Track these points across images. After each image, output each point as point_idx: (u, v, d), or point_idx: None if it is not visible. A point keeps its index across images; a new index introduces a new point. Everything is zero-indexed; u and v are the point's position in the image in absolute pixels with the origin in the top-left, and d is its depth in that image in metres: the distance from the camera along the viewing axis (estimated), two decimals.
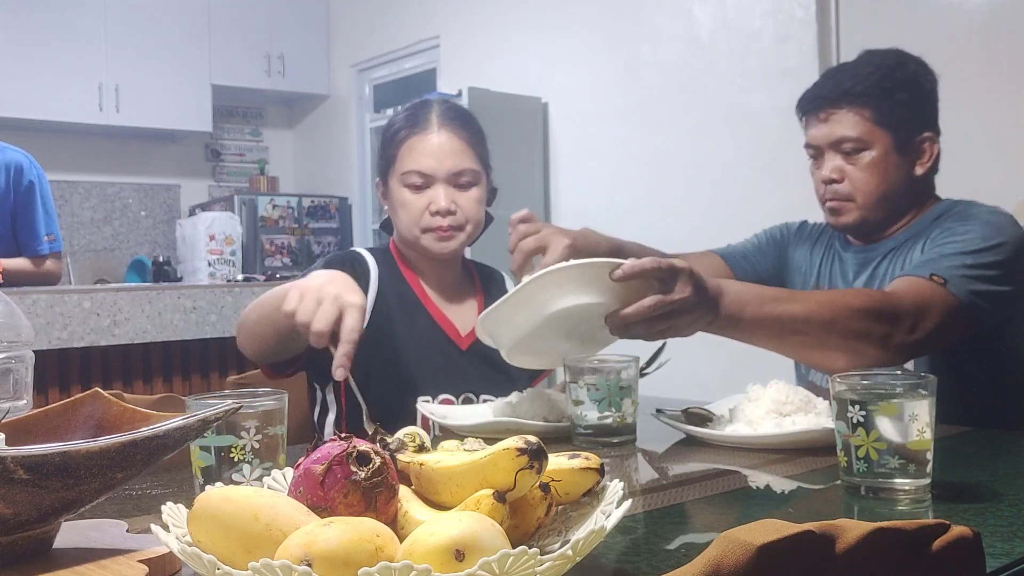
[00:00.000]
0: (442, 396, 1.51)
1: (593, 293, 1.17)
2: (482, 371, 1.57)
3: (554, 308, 1.19)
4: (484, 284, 1.70)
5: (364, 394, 1.49)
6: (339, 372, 1.13)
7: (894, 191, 1.54)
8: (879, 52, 1.58)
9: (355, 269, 1.55)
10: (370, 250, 1.63)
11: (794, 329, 1.26)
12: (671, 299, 1.15)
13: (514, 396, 1.40)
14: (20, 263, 2.91)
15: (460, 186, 1.55)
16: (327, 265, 1.55)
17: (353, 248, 1.62)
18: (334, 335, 1.15)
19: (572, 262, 1.18)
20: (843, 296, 1.34)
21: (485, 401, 1.50)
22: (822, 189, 1.58)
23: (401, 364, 1.49)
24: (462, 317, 1.61)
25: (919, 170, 1.55)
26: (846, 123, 1.53)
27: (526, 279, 1.20)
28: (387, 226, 1.68)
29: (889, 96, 1.52)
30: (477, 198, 1.57)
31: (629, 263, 1.13)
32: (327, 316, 1.14)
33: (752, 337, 1.29)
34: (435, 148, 1.53)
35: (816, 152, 1.60)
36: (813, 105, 1.59)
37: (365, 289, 1.54)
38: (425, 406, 1.38)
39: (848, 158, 1.54)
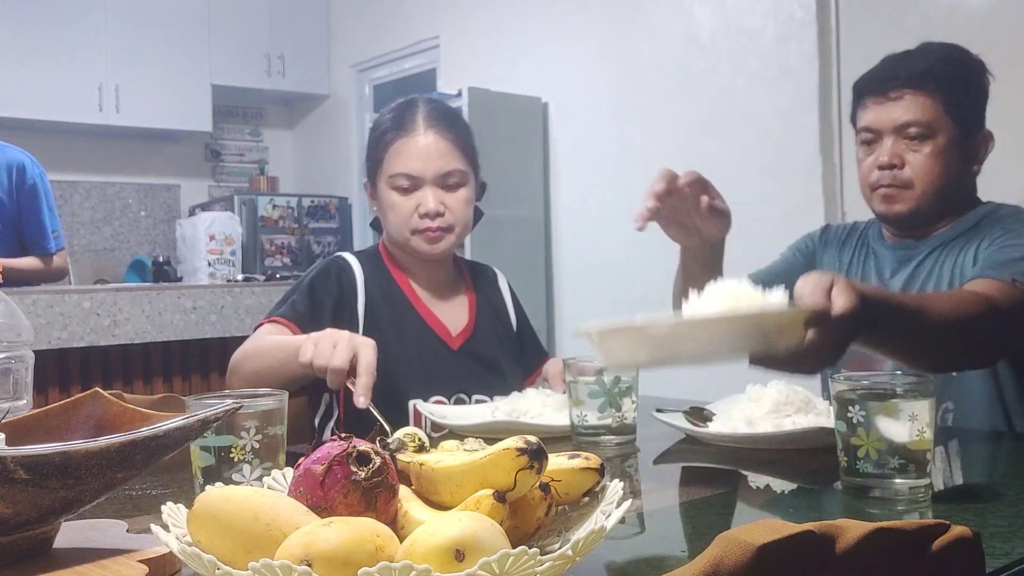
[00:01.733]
0: (434, 398, 1.50)
1: (763, 335, 0.94)
2: (474, 371, 1.56)
3: (717, 350, 0.94)
4: (475, 280, 1.69)
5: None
6: (361, 400, 1.19)
7: (952, 184, 1.50)
8: (942, 44, 1.55)
9: (340, 280, 1.54)
10: (357, 253, 1.62)
11: (925, 345, 1.15)
12: (843, 338, 0.98)
13: (514, 396, 1.39)
14: (31, 262, 2.93)
15: (448, 187, 1.54)
16: (315, 273, 1.56)
17: (339, 254, 1.61)
18: (351, 371, 1.21)
19: (769, 306, 0.93)
20: (960, 304, 1.22)
21: (478, 402, 1.49)
22: (875, 175, 1.52)
23: (391, 367, 1.48)
24: (453, 316, 1.60)
25: (975, 167, 1.53)
26: (916, 106, 1.47)
27: (711, 313, 0.94)
28: (377, 224, 1.68)
29: (960, 86, 1.50)
30: (465, 198, 1.57)
31: (835, 315, 0.94)
32: (344, 355, 1.20)
33: (880, 348, 1.18)
34: (422, 150, 1.53)
35: (873, 136, 1.53)
36: (879, 86, 1.52)
37: (353, 297, 1.54)
38: (424, 405, 1.38)
39: (911, 144, 1.49)
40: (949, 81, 1.48)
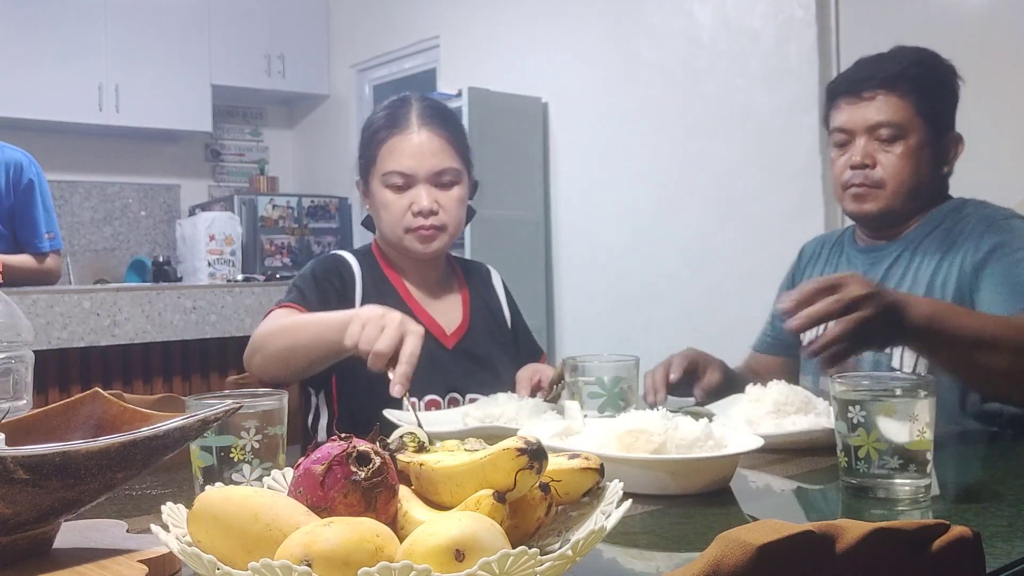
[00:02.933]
0: (428, 397, 1.49)
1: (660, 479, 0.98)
2: (468, 369, 1.55)
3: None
4: (468, 278, 1.69)
5: (350, 401, 1.49)
6: (397, 389, 1.17)
7: (922, 184, 1.53)
8: (915, 48, 1.57)
9: (342, 275, 1.54)
10: (353, 252, 1.62)
11: (983, 350, 1.20)
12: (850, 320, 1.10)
13: (483, 401, 1.36)
14: (22, 259, 2.92)
15: (442, 185, 1.54)
16: (313, 269, 1.55)
17: (336, 251, 1.61)
18: (392, 357, 1.19)
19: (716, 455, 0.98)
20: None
21: (471, 400, 1.48)
22: (847, 175, 1.55)
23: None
24: (447, 315, 1.60)
25: (945, 168, 1.56)
26: (888, 107, 1.51)
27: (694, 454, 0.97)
28: (369, 223, 1.67)
29: (931, 88, 1.52)
30: (459, 197, 1.56)
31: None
32: (391, 340, 1.18)
33: (938, 355, 1.25)
34: (415, 148, 1.52)
35: (846, 138, 1.56)
36: (852, 86, 1.55)
37: (352, 294, 1.53)
38: (393, 412, 1.32)
39: (883, 144, 1.51)
40: (921, 83, 1.51)
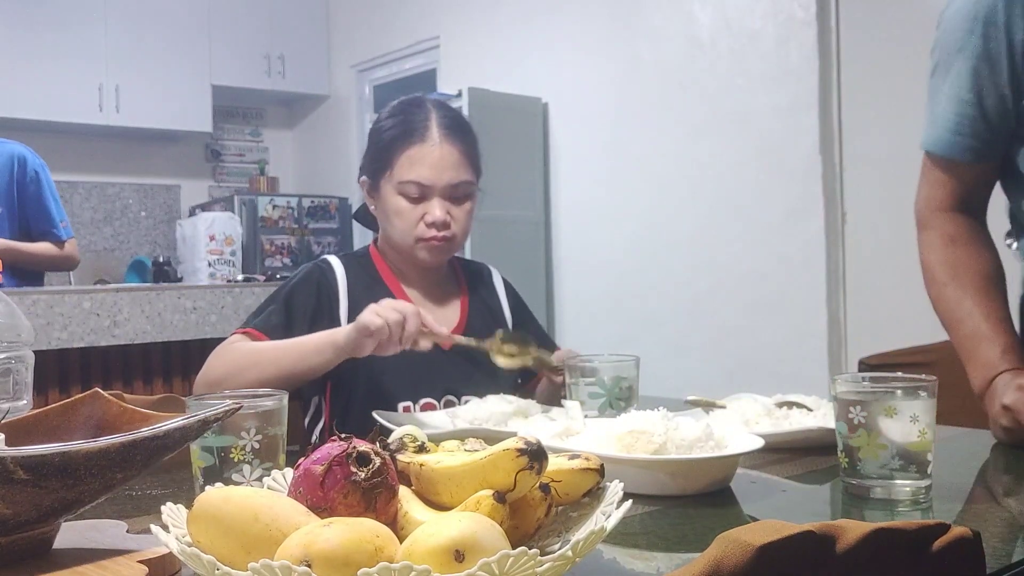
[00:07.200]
0: (423, 400, 1.49)
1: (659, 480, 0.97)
2: (465, 372, 1.54)
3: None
4: (469, 280, 1.69)
5: (348, 403, 1.49)
6: (447, 338, 1.38)
7: None
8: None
9: (320, 287, 1.53)
10: (344, 256, 1.61)
11: None
12: None
13: (473, 403, 1.36)
14: (45, 247, 2.94)
15: (455, 199, 1.54)
16: (296, 282, 1.55)
17: (324, 257, 1.60)
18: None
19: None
20: None
21: (467, 403, 1.48)
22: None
23: (378, 370, 1.47)
24: (443, 316, 1.59)
25: None
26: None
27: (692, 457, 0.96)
28: (362, 217, 1.67)
29: None
30: (470, 211, 1.57)
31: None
32: (412, 330, 1.33)
33: None
34: (436, 160, 1.52)
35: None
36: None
37: (335, 302, 1.53)
38: (382, 413, 1.32)
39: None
40: None
